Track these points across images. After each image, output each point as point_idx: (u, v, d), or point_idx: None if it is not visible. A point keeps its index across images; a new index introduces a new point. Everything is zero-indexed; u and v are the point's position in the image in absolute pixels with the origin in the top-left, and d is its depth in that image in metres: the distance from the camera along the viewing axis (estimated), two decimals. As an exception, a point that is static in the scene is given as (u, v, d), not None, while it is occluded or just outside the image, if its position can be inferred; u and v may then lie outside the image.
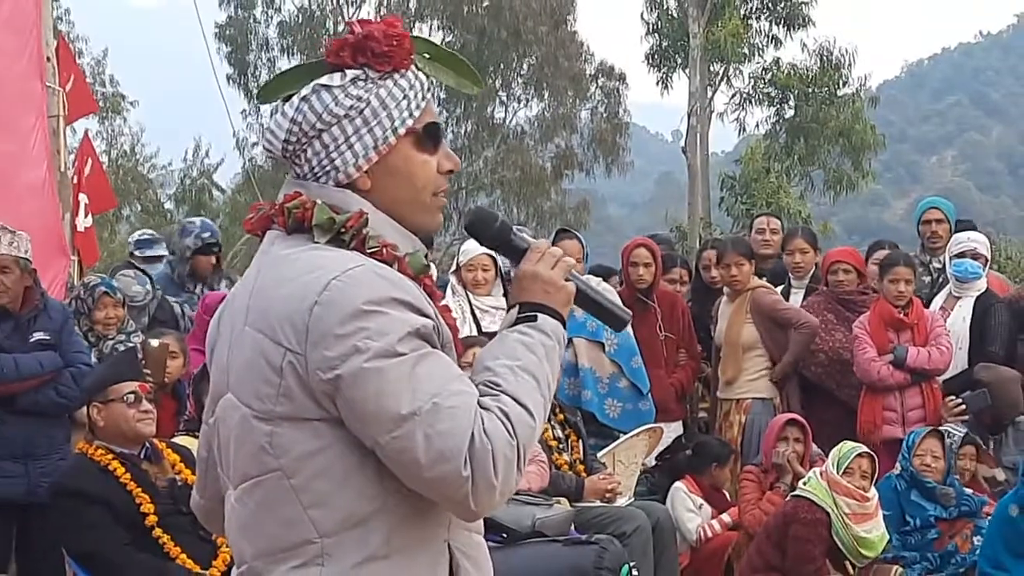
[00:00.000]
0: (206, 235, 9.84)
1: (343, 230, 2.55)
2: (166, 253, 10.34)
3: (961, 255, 9.14)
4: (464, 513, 2.48)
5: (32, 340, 7.18)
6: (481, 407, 2.43)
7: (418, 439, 2.36)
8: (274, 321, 2.44)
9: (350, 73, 2.60)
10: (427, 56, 2.73)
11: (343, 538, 2.44)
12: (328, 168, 2.60)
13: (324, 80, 2.59)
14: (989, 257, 9.35)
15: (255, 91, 39.86)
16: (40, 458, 7.14)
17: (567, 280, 2.71)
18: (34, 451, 7.13)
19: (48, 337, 7.25)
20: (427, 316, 2.48)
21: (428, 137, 2.67)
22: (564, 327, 2.67)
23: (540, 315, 2.62)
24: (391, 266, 2.55)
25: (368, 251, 2.55)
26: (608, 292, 2.84)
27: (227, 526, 2.62)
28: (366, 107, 2.59)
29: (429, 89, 2.69)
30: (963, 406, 8.47)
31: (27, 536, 7.10)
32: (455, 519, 2.57)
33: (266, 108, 40.19)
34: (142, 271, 9.56)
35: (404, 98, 2.62)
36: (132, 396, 6.12)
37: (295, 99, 2.59)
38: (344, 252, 2.53)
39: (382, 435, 2.38)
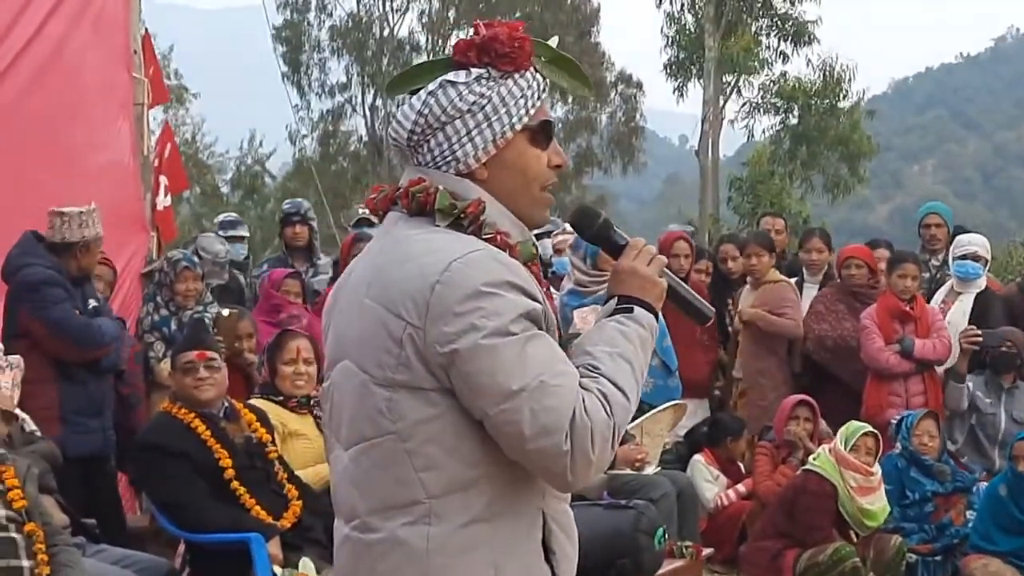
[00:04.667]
0: (286, 207, 10.02)
1: (463, 215, 2.53)
2: (247, 234, 10.42)
3: (963, 256, 9.08)
4: (560, 484, 2.48)
5: (90, 307, 7.20)
6: (582, 388, 2.43)
7: (524, 413, 2.36)
8: (396, 296, 2.43)
9: (475, 71, 2.57)
10: (544, 59, 2.68)
11: (449, 500, 2.43)
12: (449, 158, 2.56)
13: (450, 76, 2.56)
14: (988, 258, 9.26)
15: (305, 87, 40.08)
16: (104, 414, 7.19)
17: (660, 276, 2.70)
18: (104, 408, 7.18)
19: (99, 304, 7.29)
20: (536, 300, 2.47)
21: (542, 134, 2.64)
22: (657, 320, 2.65)
23: (636, 308, 2.62)
24: (504, 252, 2.52)
25: (484, 236, 2.53)
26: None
27: (337, 481, 2.61)
28: (488, 103, 2.55)
29: (544, 89, 2.65)
30: (979, 337, 8.49)
31: (93, 488, 7.03)
32: (549, 489, 2.56)
33: (317, 104, 40.43)
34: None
35: (522, 96, 2.59)
36: (189, 365, 6.09)
37: (422, 93, 2.56)
38: (463, 236, 2.51)
39: (491, 407, 2.38)
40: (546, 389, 2.37)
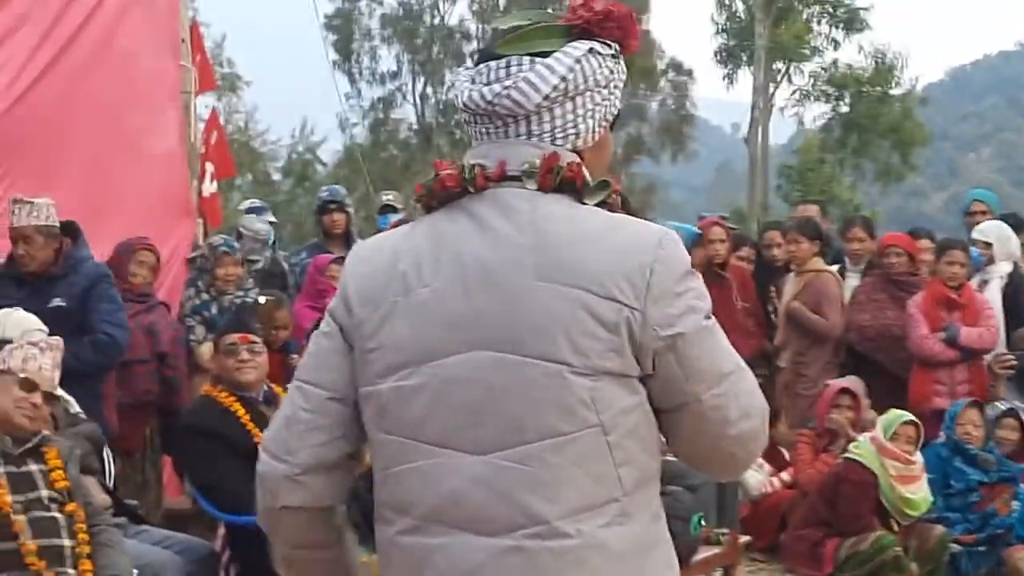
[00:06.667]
0: (324, 195, 10.02)
1: (610, 196, 2.36)
2: (274, 219, 10.49)
3: (974, 242, 9.12)
4: (734, 471, 2.40)
5: (50, 306, 6.75)
6: None
7: (731, 396, 2.26)
8: (601, 277, 2.20)
9: (613, 46, 2.39)
10: None
11: (636, 496, 2.24)
12: (571, 132, 2.36)
13: (597, 47, 2.36)
14: (999, 245, 9.10)
15: (356, 75, 40.24)
16: None
17: None
18: None
19: (64, 303, 6.86)
20: None
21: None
22: None
23: None
24: None
25: None
26: None
27: (465, 488, 2.23)
28: (612, 81, 2.39)
29: None
30: (1013, 361, 8.42)
31: None
32: None
33: (367, 92, 40.54)
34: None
35: (624, 79, 2.45)
36: (232, 347, 6.15)
37: (564, 57, 2.33)
38: (623, 215, 2.36)
39: (705, 392, 2.24)
40: (744, 372, 2.30)
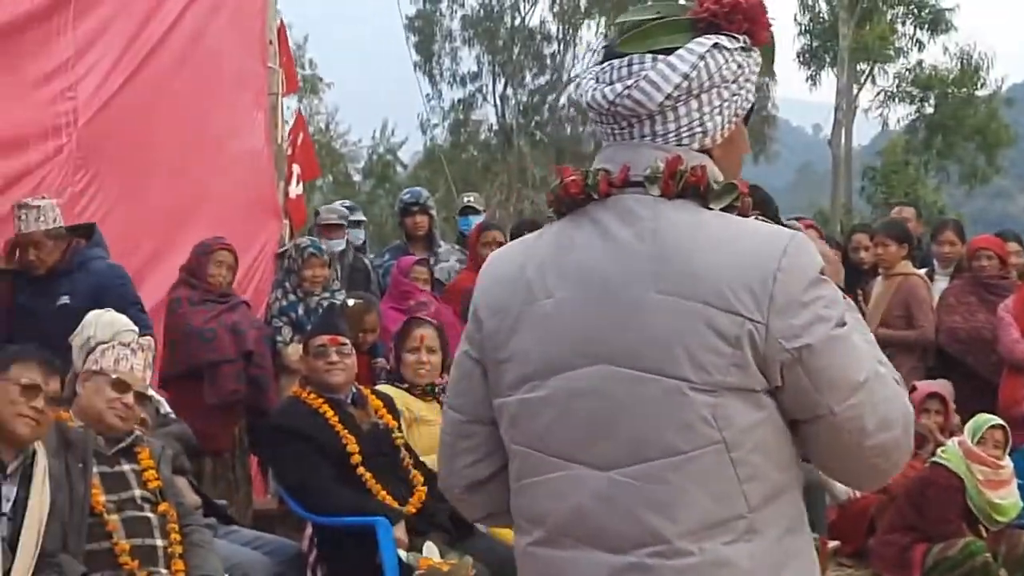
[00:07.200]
0: (406, 197, 10.02)
1: (737, 199, 2.27)
2: (364, 218, 10.54)
3: None
4: (880, 481, 2.31)
5: (57, 304, 6.70)
6: None
7: (867, 406, 2.15)
8: (721, 288, 2.12)
9: (740, 39, 2.29)
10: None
11: (766, 512, 2.17)
12: (697, 131, 2.27)
13: (723, 41, 2.26)
14: None
15: (436, 76, 40.37)
16: None
17: None
18: None
19: (70, 301, 6.69)
20: None
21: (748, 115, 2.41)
22: None
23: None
24: None
25: None
26: None
27: (587, 506, 2.22)
28: (741, 75, 2.29)
29: None
30: None
31: None
32: None
33: (448, 93, 40.64)
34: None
35: (756, 72, 2.34)
36: (321, 349, 6.17)
37: (686, 54, 2.23)
38: (752, 219, 2.27)
39: (838, 404, 2.14)
40: (883, 378, 2.19)
